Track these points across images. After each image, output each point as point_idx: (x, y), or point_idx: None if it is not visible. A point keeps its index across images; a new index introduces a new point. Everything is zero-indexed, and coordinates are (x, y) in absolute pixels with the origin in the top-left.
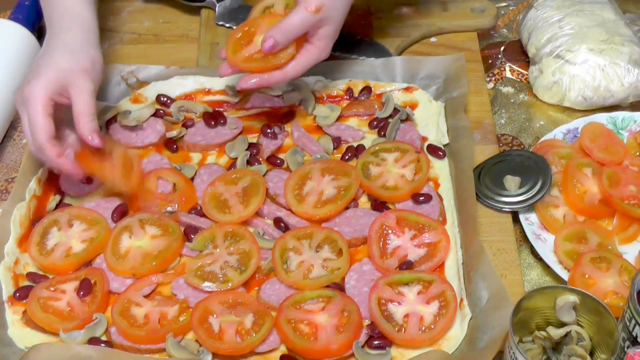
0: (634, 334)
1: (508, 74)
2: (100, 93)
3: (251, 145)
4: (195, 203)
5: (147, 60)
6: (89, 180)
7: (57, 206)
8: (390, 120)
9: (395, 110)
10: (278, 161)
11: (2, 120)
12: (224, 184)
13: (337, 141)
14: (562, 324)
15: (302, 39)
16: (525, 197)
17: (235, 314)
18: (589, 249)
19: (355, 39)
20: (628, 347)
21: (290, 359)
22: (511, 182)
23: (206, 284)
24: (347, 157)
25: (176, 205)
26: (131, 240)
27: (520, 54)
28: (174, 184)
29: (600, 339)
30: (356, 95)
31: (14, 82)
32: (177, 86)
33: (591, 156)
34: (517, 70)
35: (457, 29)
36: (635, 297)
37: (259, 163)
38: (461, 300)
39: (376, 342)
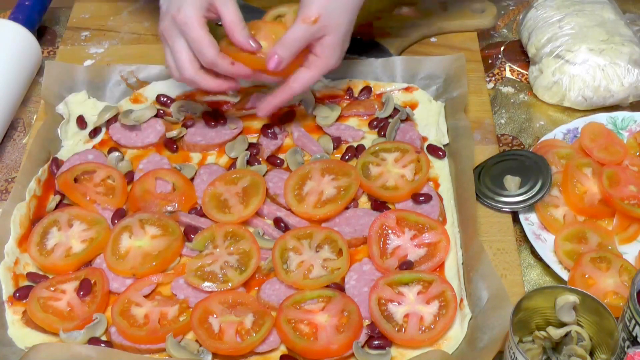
0: (634, 334)
1: (508, 74)
2: (100, 93)
3: (251, 145)
4: (195, 203)
5: (147, 60)
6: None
7: (57, 206)
8: (390, 120)
9: (395, 110)
10: (278, 161)
11: (2, 120)
12: (224, 184)
13: (337, 141)
14: (562, 324)
15: (306, 51)
16: (525, 197)
17: (235, 314)
18: (589, 249)
19: (355, 39)
20: (628, 347)
21: (290, 359)
22: (511, 182)
23: (206, 284)
24: (347, 157)
25: (176, 205)
26: (131, 240)
27: (520, 54)
28: (174, 184)
29: (600, 339)
30: (356, 95)
31: (14, 82)
32: (177, 86)
33: (591, 156)
34: (517, 70)
35: (457, 29)
36: (635, 297)
37: (259, 163)
38: (461, 300)
39: (376, 342)
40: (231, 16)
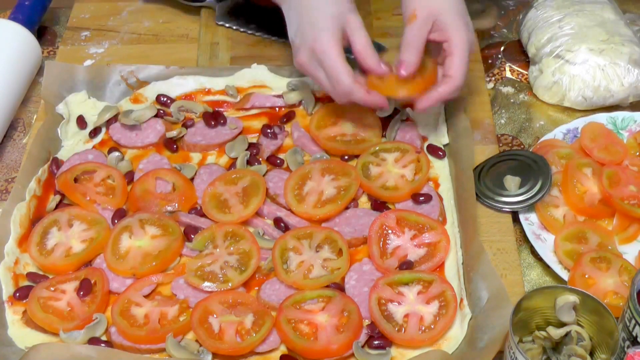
0: (634, 333)
1: (508, 74)
2: (100, 93)
3: (251, 145)
4: (195, 203)
5: (147, 60)
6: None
7: (57, 206)
8: (390, 120)
9: (395, 110)
10: (278, 161)
11: (2, 120)
12: (224, 184)
13: None
14: (562, 324)
15: (434, 68)
16: (525, 197)
17: (235, 314)
18: (589, 249)
19: None
20: (628, 347)
21: (291, 359)
22: (511, 182)
23: (206, 284)
24: (346, 157)
25: (176, 205)
26: (131, 240)
27: (520, 54)
28: (174, 184)
29: (600, 339)
30: None
31: (14, 82)
32: (177, 86)
33: (591, 156)
34: (517, 70)
35: None
36: (635, 296)
37: (259, 163)
38: (461, 300)
39: (376, 342)
40: (362, 42)
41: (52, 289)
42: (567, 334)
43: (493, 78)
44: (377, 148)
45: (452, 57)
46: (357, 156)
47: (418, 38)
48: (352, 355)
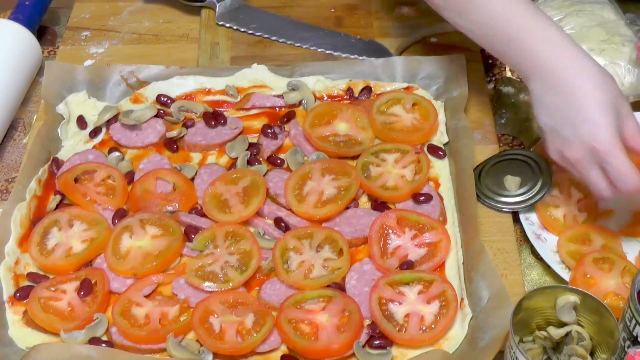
0: (634, 333)
1: (508, 74)
2: (100, 93)
3: (251, 145)
4: (196, 203)
5: (147, 60)
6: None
7: (58, 206)
8: None
9: None
10: (278, 161)
11: (3, 120)
12: (224, 183)
13: None
14: (562, 324)
15: None
16: (526, 197)
17: (236, 314)
18: (592, 250)
19: (355, 39)
20: (628, 347)
21: (291, 358)
22: (511, 182)
23: (207, 284)
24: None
25: (176, 205)
26: (132, 241)
27: None
28: (174, 184)
29: (600, 339)
30: (356, 95)
31: (14, 82)
32: (177, 86)
33: None
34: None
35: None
36: (636, 296)
37: (260, 163)
38: (462, 300)
39: (377, 342)
40: (635, 129)
41: (53, 289)
42: (567, 334)
43: (493, 78)
44: (377, 148)
45: None
46: (353, 157)
47: None
48: (353, 355)
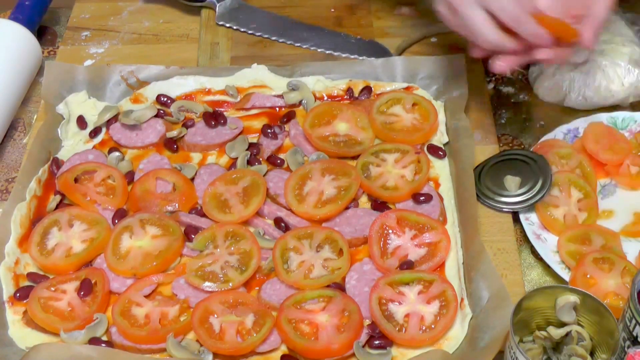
0: (634, 333)
1: (508, 74)
2: (100, 93)
3: (251, 145)
4: (196, 203)
5: (147, 60)
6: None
7: (58, 206)
8: None
9: None
10: (278, 161)
11: (3, 120)
12: (224, 184)
13: None
14: (562, 324)
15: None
16: (526, 197)
17: (236, 314)
18: (592, 250)
19: (355, 39)
20: (628, 347)
21: (291, 358)
22: (511, 182)
23: (207, 284)
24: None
25: (176, 205)
26: (132, 241)
27: None
28: (174, 184)
29: (600, 339)
30: (356, 95)
31: (14, 82)
32: (177, 86)
33: (597, 158)
34: (517, 70)
35: None
36: (636, 296)
37: (259, 163)
38: (462, 300)
39: (377, 342)
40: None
41: (53, 289)
42: (567, 334)
43: (493, 78)
44: (377, 148)
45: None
46: (353, 157)
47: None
48: (353, 355)
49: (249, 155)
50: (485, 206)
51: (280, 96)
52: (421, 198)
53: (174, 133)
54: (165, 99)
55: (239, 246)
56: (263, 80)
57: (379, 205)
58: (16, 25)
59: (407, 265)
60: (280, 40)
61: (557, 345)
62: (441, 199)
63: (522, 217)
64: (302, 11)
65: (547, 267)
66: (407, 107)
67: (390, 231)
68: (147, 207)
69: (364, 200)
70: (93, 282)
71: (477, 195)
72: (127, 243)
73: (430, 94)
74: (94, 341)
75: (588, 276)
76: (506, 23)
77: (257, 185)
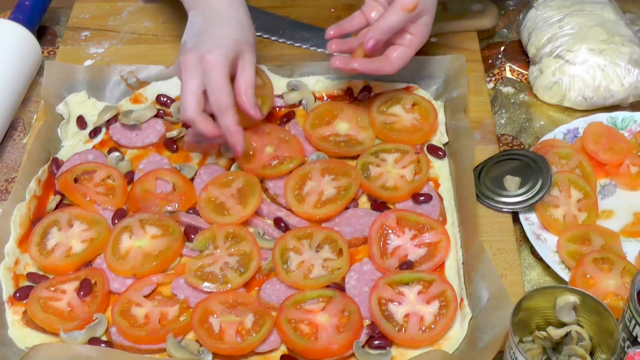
0: (634, 334)
1: (508, 74)
2: (100, 93)
3: None
4: (195, 203)
5: (147, 60)
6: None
7: (57, 206)
8: None
9: None
10: None
11: (2, 120)
12: (217, 187)
13: None
14: (562, 324)
15: (400, 31)
16: (525, 197)
17: (235, 314)
18: (592, 250)
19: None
20: (628, 347)
21: (291, 359)
22: (511, 182)
23: (206, 284)
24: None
25: (176, 205)
26: (131, 241)
27: (520, 54)
28: (174, 184)
29: (600, 339)
30: (356, 95)
31: (14, 82)
32: (177, 86)
33: (596, 158)
34: (517, 70)
35: (457, 29)
36: (636, 296)
37: None
38: (461, 300)
39: (376, 342)
40: (249, 80)
41: (53, 289)
42: (567, 334)
43: (493, 78)
44: (377, 148)
45: (405, 49)
46: (353, 156)
47: (399, 27)
48: (353, 355)
49: None
50: (485, 206)
51: (280, 96)
52: (421, 198)
53: (173, 133)
54: (165, 99)
55: (239, 247)
56: None
57: (378, 205)
58: (16, 25)
59: (406, 265)
60: (280, 40)
61: (557, 346)
62: (441, 199)
63: (521, 217)
64: (302, 11)
65: (546, 267)
66: (407, 107)
67: (390, 231)
68: (146, 207)
69: (363, 201)
70: (93, 282)
71: (477, 195)
72: (126, 243)
73: (430, 94)
74: (94, 341)
75: (588, 276)
76: (212, 107)
77: (252, 185)
